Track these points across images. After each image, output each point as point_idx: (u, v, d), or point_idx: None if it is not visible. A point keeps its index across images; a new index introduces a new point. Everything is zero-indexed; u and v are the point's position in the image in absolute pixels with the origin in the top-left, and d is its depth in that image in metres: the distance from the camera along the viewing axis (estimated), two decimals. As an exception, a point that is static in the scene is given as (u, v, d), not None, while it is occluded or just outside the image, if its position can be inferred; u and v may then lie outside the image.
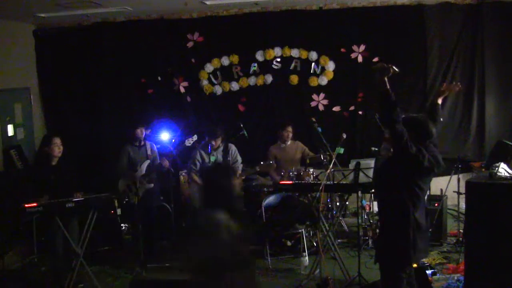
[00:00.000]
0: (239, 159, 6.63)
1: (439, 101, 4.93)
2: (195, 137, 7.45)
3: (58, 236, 6.08)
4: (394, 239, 4.39)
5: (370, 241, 7.17)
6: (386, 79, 4.09)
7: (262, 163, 6.76)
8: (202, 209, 3.91)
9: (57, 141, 6.23)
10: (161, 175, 7.71)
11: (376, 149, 7.41)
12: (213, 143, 6.45)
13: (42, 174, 6.21)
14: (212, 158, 6.26)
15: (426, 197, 5.27)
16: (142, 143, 7.24)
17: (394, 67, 4.07)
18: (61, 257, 6.23)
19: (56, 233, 6.07)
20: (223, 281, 3.60)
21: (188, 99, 9.19)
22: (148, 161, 7.18)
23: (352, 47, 8.73)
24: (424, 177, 4.41)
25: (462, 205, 6.50)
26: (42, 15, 8.34)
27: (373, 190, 6.56)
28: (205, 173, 4.68)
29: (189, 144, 7.58)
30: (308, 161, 7.86)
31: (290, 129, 7.83)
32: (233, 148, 6.64)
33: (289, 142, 7.89)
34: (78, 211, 6.09)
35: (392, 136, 4.22)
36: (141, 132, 7.22)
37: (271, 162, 6.84)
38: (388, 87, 4.10)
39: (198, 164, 6.50)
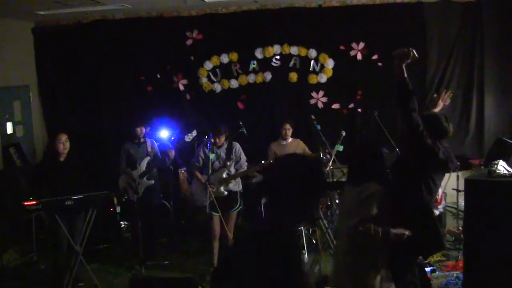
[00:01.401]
0: (243, 157, 6.62)
1: (436, 110, 4.93)
2: (194, 133, 7.44)
3: (61, 232, 6.08)
4: (417, 236, 4.22)
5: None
6: (404, 66, 4.04)
7: (263, 161, 6.75)
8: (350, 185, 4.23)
9: (62, 137, 6.16)
10: (161, 172, 7.72)
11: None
12: (217, 140, 6.44)
13: (50, 170, 6.19)
14: (212, 156, 6.25)
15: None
16: (142, 140, 7.24)
17: (414, 51, 3.99)
18: (64, 254, 6.24)
19: (59, 230, 6.07)
20: None
21: (188, 96, 9.19)
22: (148, 158, 7.18)
23: (352, 44, 8.72)
24: (438, 170, 4.41)
25: (461, 202, 6.51)
26: (41, 12, 8.33)
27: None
28: (355, 150, 4.85)
29: (189, 140, 7.57)
30: (307, 158, 7.85)
31: (287, 126, 7.82)
32: (237, 146, 6.63)
33: (289, 140, 7.88)
34: (79, 209, 6.08)
35: (408, 126, 4.19)
36: (141, 130, 7.22)
37: (271, 161, 6.82)
38: (406, 75, 4.06)
39: (201, 161, 6.51)
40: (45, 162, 6.35)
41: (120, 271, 6.85)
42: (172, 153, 7.06)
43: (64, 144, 6.16)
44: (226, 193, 6.41)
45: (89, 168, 6.70)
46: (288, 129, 7.80)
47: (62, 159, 6.20)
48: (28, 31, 9.30)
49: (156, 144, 7.46)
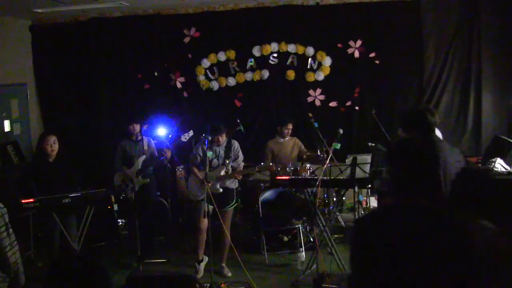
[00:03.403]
0: (241, 155, 6.60)
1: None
2: (191, 132, 7.43)
3: (55, 231, 6.07)
4: None
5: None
6: None
7: (262, 163, 6.76)
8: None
9: (50, 139, 6.06)
10: (158, 170, 7.72)
11: (373, 144, 7.42)
12: (220, 139, 6.43)
13: (39, 170, 6.16)
14: (209, 154, 6.22)
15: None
16: (139, 138, 7.22)
17: None
18: (57, 253, 6.23)
19: (53, 229, 6.06)
20: None
21: (185, 94, 9.18)
22: (144, 156, 7.17)
23: (349, 42, 8.72)
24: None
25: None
26: (39, 10, 8.31)
27: (369, 186, 6.59)
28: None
29: (185, 140, 7.57)
30: (305, 156, 7.88)
31: (291, 126, 7.87)
32: (235, 144, 6.61)
33: (287, 138, 7.91)
34: (75, 207, 6.06)
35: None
36: (134, 128, 7.18)
37: (271, 164, 6.82)
38: None
39: (198, 158, 6.51)
40: (34, 162, 6.33)
41: (118, 269, 6.85)
42: (169, 154, 7.03)
43: (52, 146, 6.07)
44: (221, 190, 6.42)
45: (80, 170, 6.67)
46: (291, 129, 7.86)
47: (51, 160, 6.16)
48: (25, 29, 9.29)
49: (153, 142, 7.44)
